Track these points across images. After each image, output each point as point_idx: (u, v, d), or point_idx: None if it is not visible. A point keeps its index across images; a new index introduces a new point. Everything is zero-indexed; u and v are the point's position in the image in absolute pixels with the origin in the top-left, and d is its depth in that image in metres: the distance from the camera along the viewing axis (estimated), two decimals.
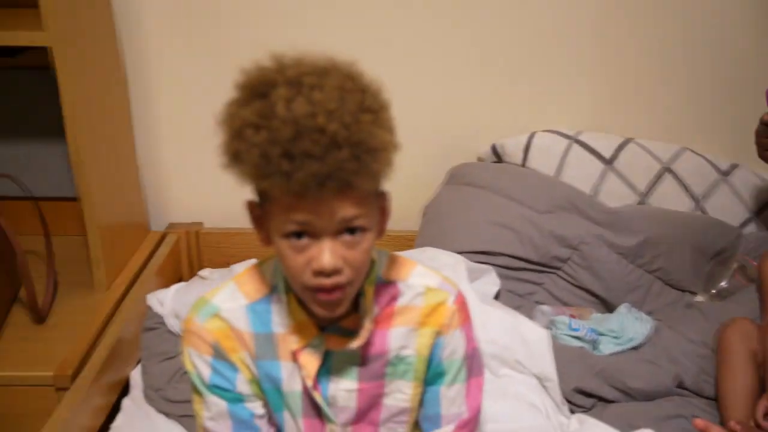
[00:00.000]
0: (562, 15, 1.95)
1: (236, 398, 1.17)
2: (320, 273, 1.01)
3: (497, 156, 1.99)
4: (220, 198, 2.04)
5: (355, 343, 1.14)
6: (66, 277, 1.84)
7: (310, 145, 0.93)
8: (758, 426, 1.43)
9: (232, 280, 1.19)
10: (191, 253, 2.08)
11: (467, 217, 1.84)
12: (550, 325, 1.69)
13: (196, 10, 1.94)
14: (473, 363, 1.21)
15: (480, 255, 1.78)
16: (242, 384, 1.17)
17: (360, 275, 1.07)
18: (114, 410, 1.61)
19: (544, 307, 1.74)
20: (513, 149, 1.96)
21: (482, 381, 1.23)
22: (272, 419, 1.22)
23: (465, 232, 1.81)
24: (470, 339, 1.21)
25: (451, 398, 1.20)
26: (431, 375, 1.20)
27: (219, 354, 1.15)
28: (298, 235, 1.00)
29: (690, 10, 1.95)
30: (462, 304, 1.19)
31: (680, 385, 1.59)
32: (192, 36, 1.95)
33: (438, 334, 1.18)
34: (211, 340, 1.14)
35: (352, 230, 1.01)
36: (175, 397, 1.53)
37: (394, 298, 1.17)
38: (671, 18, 1.95)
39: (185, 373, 1.25)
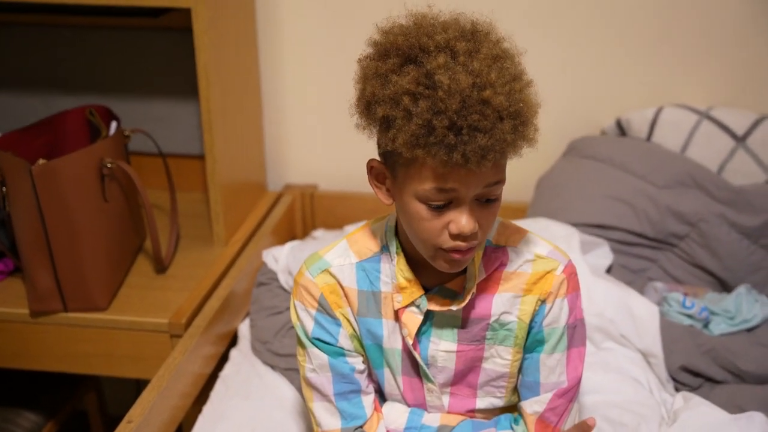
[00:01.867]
0: None
1: (337, 352, 1.20)
2: (459, 236, 1.04)
3: (621, 130, 1.95)
4: (335, 162, 2.10)
5: (457, 306, 1.15)
6: (188, 230, 1.94)
7: (478, 119, 0.96)
8: None
9: (345, 237, 1.24)
10: (305, 214, 2.13)
11: (582, 190, 1.82)
12: (661, 302, 1.65)
13: None
14: (575, 333, 1.21)
15: (594, 228, 1.77)
16: (344, 339, 1.20)
17: (487, 235, 1.10)
18: (223, 360, 1.67)
19: (657, 284, 1.71)
20: (638, 124, 1.91)
21: (584, 351, 1.23)
22: (372, 376, 1.26)
23: (579, 204, 1.80)
24: (574, 309, 1.21)
25: (550, 367, 1.20)
26: (531, 342, 1.21)
27: (323, 308, 1.19)
28: (440, 205, 1.03)
29: None
30: (571, 274, 1.19)
31: None
32: (323, 2, 1.97)
33: (541, 301, 1.18)
34: (317, 294, 1.19)
35: (488, 200, 1.05)
36: (280, 350, 1.59)
37: (502, 264, 1.18)
38: None
39: (291, 327, 1.28)
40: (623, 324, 1.54)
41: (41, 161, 1.52)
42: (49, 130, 1.72)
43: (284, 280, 1.70)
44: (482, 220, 1.05)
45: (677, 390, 1.53)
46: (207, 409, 1.53)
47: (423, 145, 0.97)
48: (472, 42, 1.00)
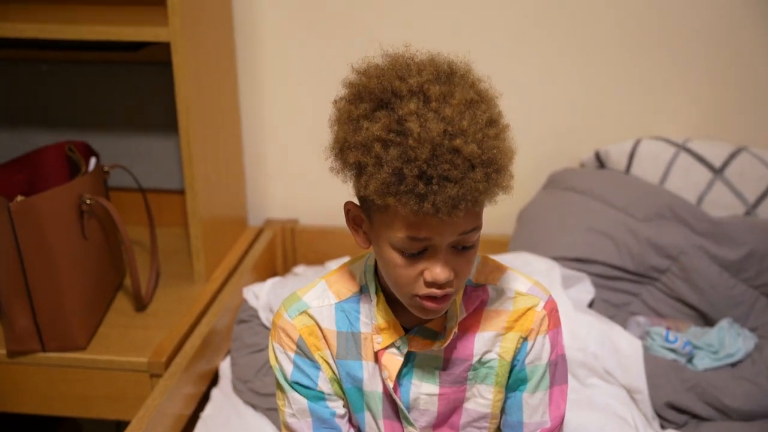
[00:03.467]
0: (670, 19, 1.89)
1: (317, 396, 1.18)
2: (434, 284, 1.01)
3: (600, 162, 1.94)
4: (316, 197, 2.08)
5: (439, 345, 1.13)
6: (168, 267, 1.91)
7: (448, 168, 0.93)
8: None
9: (323, 278, 1.21)
10: (286, 249, 2.11)
11: (563, 223, 1.81)
12: (644, 336, 1.64)
13: (309, 15, 1.96)
14: (557, 370, 1.19)
15: (575, 262, 1.75)
16: (323, 382, 1.17)
17: (464, 282, 1.07)
18: (204, 399, 1.64)
19: (640, 318, 1.69)
20: (617, 156, 1.90)
21: (566, 390, 1.21)
22: (353, 420, 1.23)
23: (560, 237, 1.78)
24: (556, 345, 1.18)
25: (533, 406, 1.17)
26: (513, 380, 1.18)
27: (302, 351, 1.17)
28: (414, 253, 1.00)
29: None
30: (552, 310, 1.17)
31: None
32: (302, 42, 1.99)
33: (523, 338, 1.16)
34: (295, 336, 1.16)
35: (464, 247, 1.02)
36: (262, 389, 1.56)
37: (483, 303, 1.16)
38: None
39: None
40: (607, 359, 1.52)
41: (19, 198, 1.49)
42: (27, 167, 1.70)
43: (265, 317, 1.67)
44: (458, 267, 1.03)
45: (663, 427, 1.50)
46: None
47: (394, 194, 0.95)
48: (446, 85, 0.98)
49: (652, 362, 1.54)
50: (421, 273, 1.01)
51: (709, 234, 1.75)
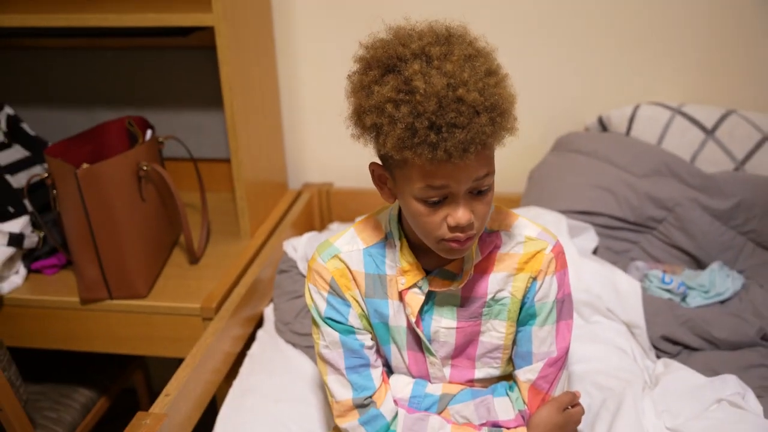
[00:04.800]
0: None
1: (347, 330, 1.17)
2: (457, 228, 1.00)
3: (603, 126, 1.91)
4: (349, 161, 2.07)
5: (457, 285, 1.12)
6: (217, 226, 1.92)
7: (455, 116, 0.93)
8: None
9: (353, 226, 1.21)
10: (322, 209, 2.11)
11: (570, 180, 1.78)
12: (643, 279, 1.61)
13: None
14: (563, 307, 1.18)
15: (580, 215, 1.73)
16: (353, 318, 1.17)
17: (484, 225, 1.06)
18: (251, 340, 1.65)
19: (639, 263, 1.66)
20: (618, 120, 1.87)
21: (571, 324, 1.20)
22: (380, 351, 1.23)
23: (567, 193, 1.76)
24: (562, 285, 1.17)
25: (541, 338, 1.16)
26: (524, 316, 1.17)
27: (334, 290, 1.16)
28: (435, 201, 0.99)
29: None
30: (558, 253, 1.16)
31: (764, 338, 1.51)
32: (334, 19, 1.96)
33: (532, 278, 1.14)
34: (328, 277, 1.16)
35: (481, 191, 1.01)
36: (300, 330, 1.56)
37: (496, 247, 1.15)
38: None
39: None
40: (609, 299, 1.51)
41: (85, 165, 1.50)
42: (93, 140, 1.70)
43: (303, 267, 1.67)
44: (477, 210, 1.02)
45: (658, 357, 1.49)
46: (236, 383, 1.50)
47: (409, 147, 0.94)
48: (445, 45, 0.97)
49: (649, 301, 1.52)
50: (445, 219, 1.01)
51: (702, 187, 1.71)
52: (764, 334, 1.49)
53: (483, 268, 1.15)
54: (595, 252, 1.69)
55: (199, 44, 1.94)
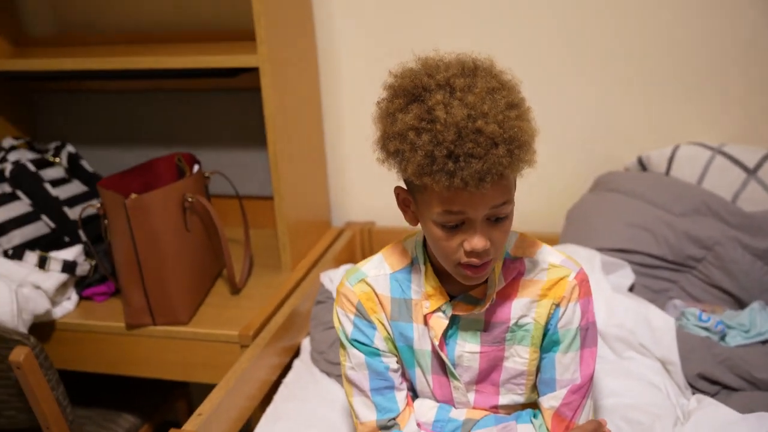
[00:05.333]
0: (708, 37, 1.86)
1: (373, 352, 1.20)
2: (472, 253, 1.03)
3: (642, 166, 1.91)
4: (391, 201, 2.07)
5: (479, 309, 1.14)
6: (260, 260, 1.98)
7: (472, 146, 0.96)
8: None
9: (380, 252, 1.24)
10: (364, 246, 2.15)
11: (607, 219, 1.78)
12: (680, 317, 1.59)
13: (382, 40, 2.01)
14: (587, 335, 1.18)
15: (618, 253, 1.72)
16: (379, 340, 1.20)
17: (501, 251, 1.09)
18: (287, 370, 1.68)
19: (677, 302, 1.65)
20: (658, 160, 1.87)
21: (595, 352, 1.20)
22: (405, 375, 1.24)
23: (604, 231, 1.76)
24: (586, 312, 1.18)
25: (565, 365, 1.17)
26: (547, 342, 1.18)
27: (360, 313, 1.20)
28: (453, 226, 1.03)
29: None
30: (582, 281, 1.17)
31: None
32: (378, 56, 2.02)
33: (556, 305, 1.16)
34: (355, 300, 1.19)
35: (497, 218, 1.04)
36: (334, 359, 1.59)
37: (520, 273, 1.17)
38: None
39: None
40: (642, 334, 1.49)
41: (133, 196, 1.59)
42: (143, 174, 1.79)
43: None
44: (494, 238, 1.04)
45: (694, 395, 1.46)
46: (269, 409, 1.53)
47: (428, 173, 0.98)
48: (470, 78, 1.00)
49: (685, 338, 1.50)
50: (461, 244, 1.04)
51: (742, 226, 1.69)
52: None
53: (506, 294, 1.17)
54: (631, 289, 1.67)
55: (245, 86, 2.03)
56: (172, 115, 2.16)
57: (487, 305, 1.14)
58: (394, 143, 1.02)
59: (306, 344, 1.73)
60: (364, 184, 2.16)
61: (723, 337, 1.56)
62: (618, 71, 1.92)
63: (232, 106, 2.12)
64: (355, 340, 1.20)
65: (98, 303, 1.80)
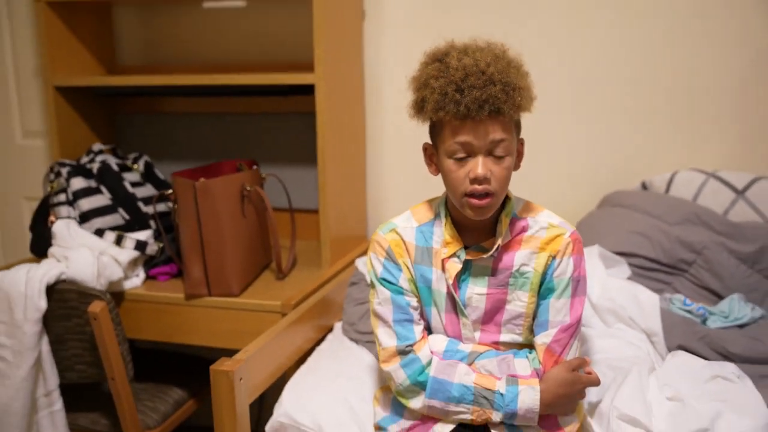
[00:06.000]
0: (708, 75, 2.14)
1: (398, 290, 1.44)
2: (475, 180, 1.29)
3: (645, 189, 2.14)
4: None
5: (488, 253, 1.37)
6: (302, 261, 2.22)
7: (474, 80, 1.27)
8: None
9: (410, 209, 1.49)
10: None
11: (609, 227, 2.02)
12: (667, 303, 1.79)
13: None
14: (578, 285, 1.41)
15: (618, 255, 1.93)
16: (403, 281, 1.44)
17: (501, 189, 1.35)
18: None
19: (667, 295, 1.84)
20: (658, 183, 2.12)
21: (584, 301, 1.43)
22: (423, 314, 1.47)
23: (607, 236, 1.98)
24: (578, 267, 1.41)
25: (557, 308, 1.39)
26: (544, 290, 1.41)
27: (390, 256, 1.45)
28: (461, 157, 1.31)
29: None
30: (576, 240, 1.41)
31: None
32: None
33: (552, 257, 1.39)
34: (386, 245, 1.45)
35: (498, 155, 1.31)
36: (363, 329, 1.82)
37: (524, 229, 1.41)
38: None
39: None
40: (630, 308, 1.70)
41: (202, 179, 1.88)
42: (209, 172, 2.09)
43: (369, 278, 1.95)
44: (495, 171, 1.31)
45: None
46: (303, 367, 1.75)
47: (442, 107, 1.27)
48: (482, 49, 1.31)
49: (668, 316, 1.70)
50: (467, 174, 1.29)
51: (728, 234, 1.91)
52: None
53: (511, 246, 1.41)
54: None
55: (300, 110, 2.36)
56: (235, 136, 2.48)
57: (495, 250, 1.38)
58: (419, 92, 1.32)
59: (338, 327, 1.96)
60: (400, 200, 2.43)
61: (704, 321, 1.75)
62: (626, 111, 2.20)
63: (285, 128, 2.43)
64: (384, 279, 1.45)
65: (161, 282, 2.08)
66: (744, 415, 1.33)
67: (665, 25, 2.14)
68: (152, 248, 2.05)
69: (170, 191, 1.95)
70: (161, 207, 2.16)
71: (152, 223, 2.12)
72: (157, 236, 2.09)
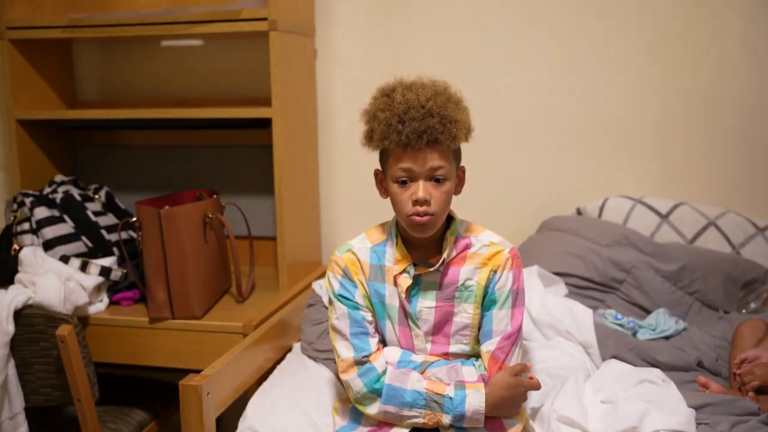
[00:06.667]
0: (636, 108, 2.35)
1: (354, 306, 1.57)
2: (416, 202, 1.44)
3: (579, 215, 2.32)
4: None
5: (435, 268, 1.50)
6: (261, 285, 2.32)
7: (414, 113, 1.43)
8: (735, 375, 1.63)
9: (365, 231, 1.64)
10: None
11: (547, 249, 2.18)
12: (600, 317, 1.95)
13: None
14: (518, 297, 1.56)
15: (556, 275, 2.09)
16: (359, 297, 1.57)
17: (441, 210, 1.49)
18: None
19: (600, 310, 2.00)
20: (591, 209, 2.32)
21: (523, 311, 1.58)
22: (378, 328, 1.59)
23: (544, 258, 2.15)
24: (516, 280, 1.56)
25: (499, 318, 1.54)
26: (487, 301, 1.55)
27: (346, 275, 1.57)
28: (404, 181, 1.44)
29: (738, 106, 2.27)
30: (514, 256, 1.56)
31: (700, 365, 1.80)
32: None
33: (493, 272, 1.53)
34: (342, 265, 1.57)
35: (437, 179, 1.45)
36: (321, 347, 1.94)
37: (468, 247, 1.56)
38: (719, 115, 2.30)
39: (328, 333, 1.64)
40: (567, 322, 1.86)
41: (167, 207, 1.98)
42: (171, 200, 2.18)
43: (327, 300, 2.06)
44: (435, 195, 1.46)
45: None
46: (265, 383, 1.85)
47: (386, 137, 1.43)
48: (426, 85, 1.47)
49: (602, 329, 1.86)
50: (410, 196, 1.44)
51: (653, 253, 2.10)
52: (699, 361, 1.81)
53: (456, 262, 1.55)
54: None
55: (256, 142, 2.47)
56: (195, 168, 2.58)
57: (440, 264, 1.52)
58: (369, 123, 1.48)
59: (297, 347, 2.07)
60: (349, 227, 2.56)
61: (634, 333, 1.92)
62: (560, 144, 2.39)
63: (243, 160, 2.54)
64: (341, 296, 1.57)
65: (125, 306, 2.15)
66: (668, 414, 1.49)
67: (598, 61, 2.34)
68: (116, 274, 2.13)
69: (135, 218, 2.04)
70: (124, 235, 2.24)
71: (115, 249, 2.20)
72: (120, 262, 2.17)
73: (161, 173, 2.62)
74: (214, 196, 2.22)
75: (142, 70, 2.63)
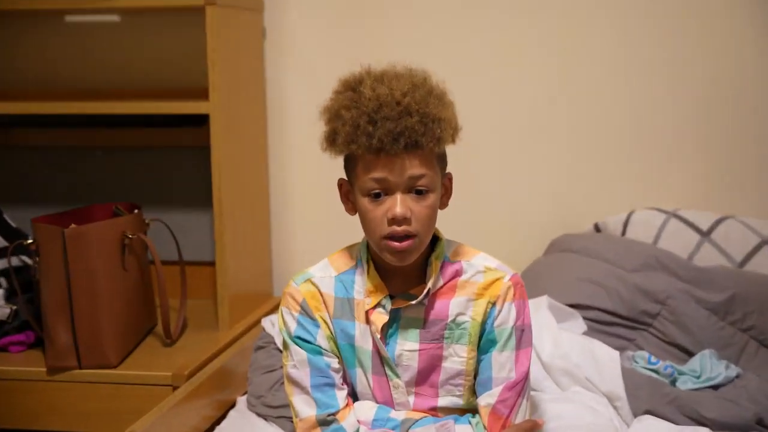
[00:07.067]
0: (663, 102, 2.33)
1: (315, 350, 1.50)
2: (393, 221, 1.38)
3: (598, 232, 2.29)
4: None
5: (417, 300, 1.46)
6: (195, 322, 2.25)
7: (389, 111, 1.36)
8: None
9: (327, 257, 1.57)
10: None
11: (559, 275, 2.13)
12: (630, 360, 1.91)
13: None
14: (523, 335, 1.50)
15: (570, 308, 2.04)
16: (321, 338, 1.51)
17: (425, 230, 1.42)
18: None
19: (629, 352, 1.96)
20: (614, 225, 2.27)
21: (530, 352, 1.51)
22: (346, 378, 1.53)
23: (556, 287, 2.09)
24: (521, 314, 1.50)
25: (501, 363, 1.48)
26: (484, 342, 1.49)
27: (305, 311, 1.51)
28: (377, 194, 1.39)
29: None
30: (517, 283, 1.50)
31: (760, 423, 1.75)
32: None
33: (491, 304, 1.48)
34: (300, 299, 1.51)
35: (418, 191, 1.39)
36: (273, 402, 1.86)
37: (458, 274, 1.50)
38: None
39: (283, 383, 1.58)
40: (587, 367, 1.79)
41: (73, 226, 1.91)
42: (78, 217, 2.09)
43: (280, 342, 2.00)
44: (416, 211, 1.38)
45: None
46: None
47: (354, 140, 1.36)
48: (399, 75, 1.41)
49: (632, 375, 1.80)
50: (385, 213, 1.39)
51: (693, 280, 2.05)
52: (760, 418, 1.75)
53: (445, 293, 1.49)
54: None
55: (189, 144, 2.41)
56: (110, 175, 2.51)
57: (424, 296, 1.46)
58: (331, 123, 1.41)
59: (242, 401, 2.00)
60: (308, 251, 2.49)
61: (673, 382, 1.88)
62: (574, 141, 2.36)
63: (174, 164, 2.48)
64: (299, 338, 1.50)
65: (14, 354, 2.06)
66: None
67: (629, 40, 2.32)
68: (2, 312, 2.05)
69: (30, 240, 1.96)
70: (14, 261, 2.16)
71: (2, 281, 2.12)
72: (8, 297, 2.09)
73: (66, 182, 2.54)
74: (135, 210, 2.14)
75: (40, 53, 2.54)
